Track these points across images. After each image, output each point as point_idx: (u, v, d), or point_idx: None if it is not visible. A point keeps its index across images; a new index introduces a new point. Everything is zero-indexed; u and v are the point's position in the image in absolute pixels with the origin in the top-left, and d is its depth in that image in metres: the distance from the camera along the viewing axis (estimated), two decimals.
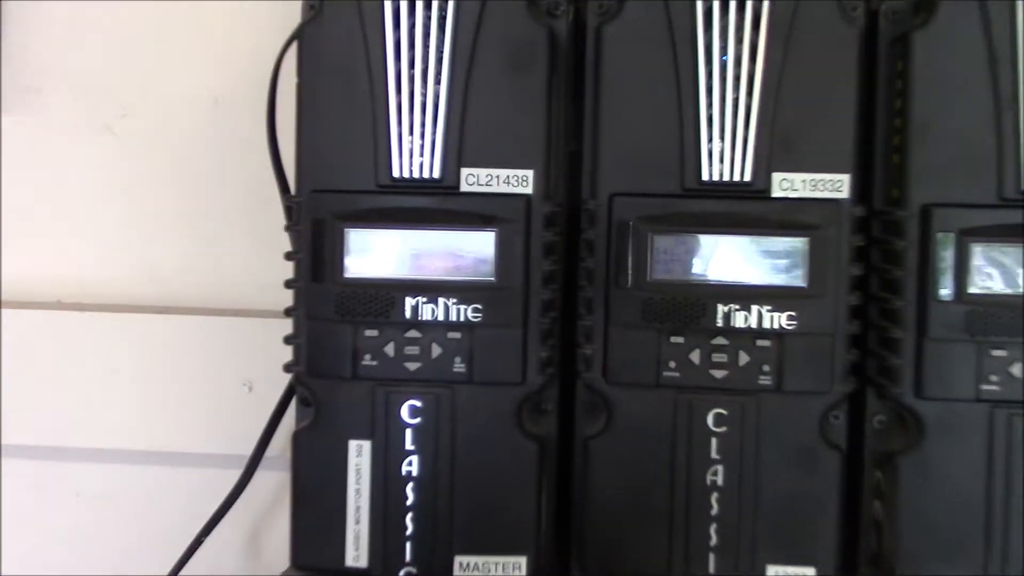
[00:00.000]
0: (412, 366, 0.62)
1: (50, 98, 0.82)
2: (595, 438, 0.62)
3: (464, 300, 0.61)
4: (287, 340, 0.65)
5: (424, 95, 0.61)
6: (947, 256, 0.58)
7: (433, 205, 0.61)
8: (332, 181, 0.62)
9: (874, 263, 0.61)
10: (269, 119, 0.71)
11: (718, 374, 0.60)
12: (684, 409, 0.60)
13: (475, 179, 0.61)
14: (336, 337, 0.63)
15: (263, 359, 0.71)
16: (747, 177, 0.60)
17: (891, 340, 0.59)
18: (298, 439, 0.64)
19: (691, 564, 0.61)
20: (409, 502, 0.62)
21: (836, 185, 0.60)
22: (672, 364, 0.60)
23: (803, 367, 0.60)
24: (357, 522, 0.63)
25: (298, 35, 0.63)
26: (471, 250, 0.61)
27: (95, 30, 0.81)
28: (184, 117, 0.81)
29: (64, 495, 0.83)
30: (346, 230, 0.62)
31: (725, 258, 0.60)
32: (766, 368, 0.60)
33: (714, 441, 0.60)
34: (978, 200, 0.58)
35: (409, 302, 0.61)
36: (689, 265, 0.60)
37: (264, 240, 0.74)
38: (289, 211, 0.65)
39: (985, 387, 0.58)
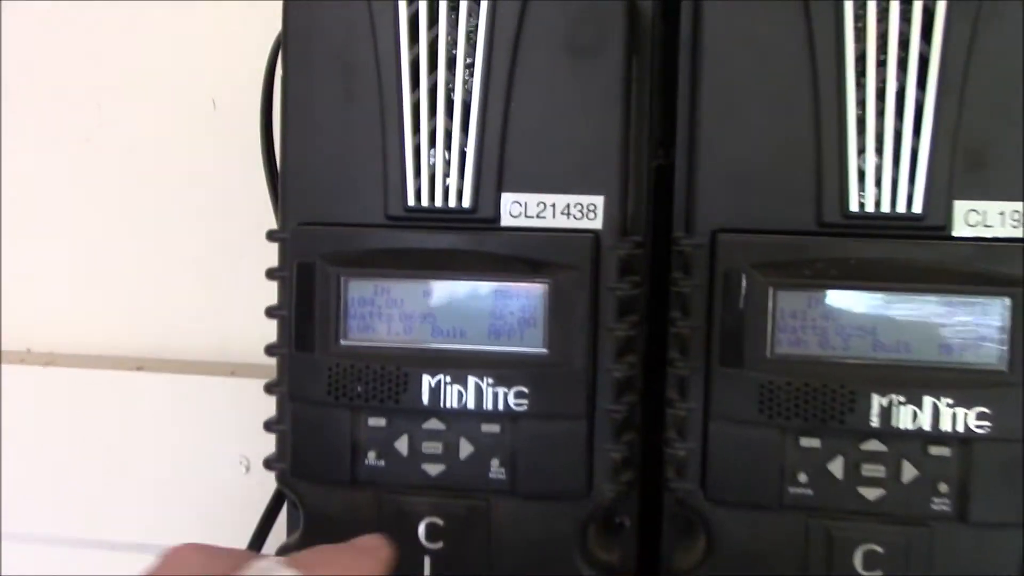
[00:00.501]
0: (433, 469, 0.46)
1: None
2: (689, 574, 0.45)
3: (504, 380, 0.45)
4: (268, 426, 0.48)
5: (451, 92, 0.45)
6: None
7: (462, 245, 0.46)
8: (326, 211, 0.47)
9: None
10: (264, 128, 0.54)
11: (871, 494, 0.43)
12: (820, 542, 0.44)
13: (521, 209, 0.45)
14: (330, 427, 0.47)
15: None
16: (916, 207, 0.42)
17: None
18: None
19: None
20: None
21: None
22: (802, 477, 0.44)
23: (998, 487, 0.42)
24: None
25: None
26: (514, 309, 0.45)
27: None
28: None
29: None
30: (343, 279, 0.47)
31: (883, 326, 0.43)
32: (943, 488, 0.43)
33: None
34: None
35: (428, 381, 0.45)
36: (829, 335, 0.43)
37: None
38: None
39: None
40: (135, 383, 0.66)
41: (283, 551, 0.49)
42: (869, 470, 0.43)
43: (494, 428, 0.45)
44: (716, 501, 0.45)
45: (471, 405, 0.45)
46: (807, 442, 0.43)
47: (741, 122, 0.44)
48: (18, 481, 0.68)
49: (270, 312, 0.48)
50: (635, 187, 0.46)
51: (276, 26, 0.49)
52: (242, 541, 0.56)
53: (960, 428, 0.41)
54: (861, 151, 0.42)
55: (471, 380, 0.45)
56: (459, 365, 0.45)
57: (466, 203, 0.45)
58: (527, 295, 0.45)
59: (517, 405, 0.45)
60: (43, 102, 0.70)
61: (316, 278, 0.46)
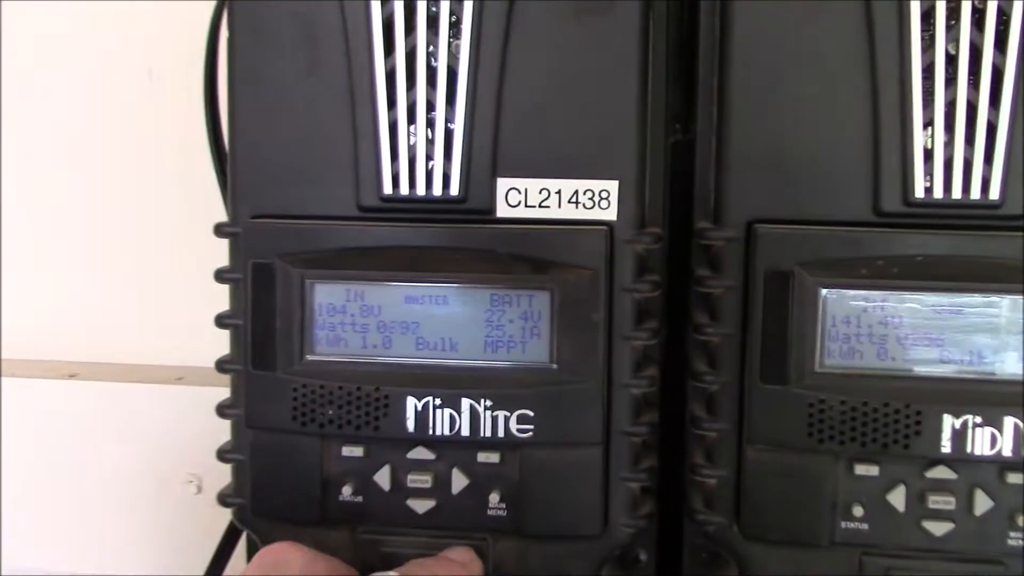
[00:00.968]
0: (420, 506, 0.40)
1: None
2: None
3: (504, 401, 0.39)
4: (221, 455, 0.41)
5: (433, 57, 0.38)
6: None
7: (450, 242, 0.39)
8: (285, 201, 0.40)
9: None
10: (208, 103, 0.47)
11: (937, 529, 0.37)
12: None
13: (520, 197, 0.39)
14: (296, 457, 0.40)
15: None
16: (993, 194, 0.36)
17: None
18: None
19: None
20: None
21: None
22: (857, 510, 0.38)
23: None
24: None
25: None
26: (514, 317, 0.39)
27: None
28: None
29: None
30: (308, 283, 0.40)
31: (955, 335, 0.36)
32: (1021, 521, 0.37)
33: None
34: None
35: (413, 404, 0.39)
36: (889, 345, 0.37)
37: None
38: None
39: None
40: (67, 391, 0.59)
41: None
42: (936, 501, 0.37)
43: (493, 457, 0.39)
44: (752, 537, 0.39)
45: (465, 432, 0.39)
46: (863, 469, 0.37)
47: (777, 88, 0.37)
48: None
49: (221, 321, 0.41)
50: (654, 169, 0.39)
51: None
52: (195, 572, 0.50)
53: None
54: (927, 125, 0.36)
55: (465, 402, 0.38)
56: (450, 385, 0.39)
57: (454, 191, 0.39)
58: (529, 301, 0.38)
59: (520, 431, 0.38)
60: None
61: (276, 281, 0.39)
